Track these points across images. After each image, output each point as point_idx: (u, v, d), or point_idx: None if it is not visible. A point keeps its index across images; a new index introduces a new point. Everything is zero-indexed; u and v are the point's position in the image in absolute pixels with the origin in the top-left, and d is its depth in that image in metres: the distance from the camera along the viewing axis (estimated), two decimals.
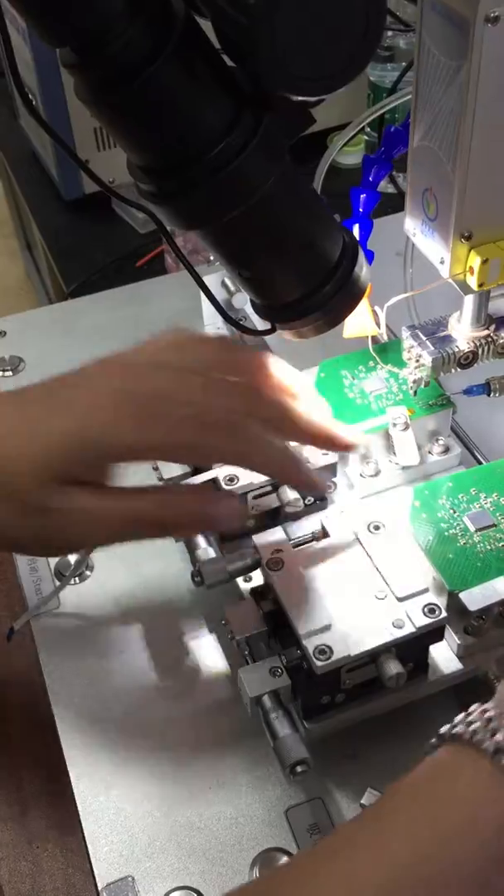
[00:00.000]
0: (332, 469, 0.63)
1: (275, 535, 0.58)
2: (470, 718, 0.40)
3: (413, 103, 0.51)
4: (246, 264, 0.49)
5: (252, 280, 0.51)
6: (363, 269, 0.52)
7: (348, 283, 0.51)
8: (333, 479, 0.65)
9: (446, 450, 0.66)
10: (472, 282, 0.53)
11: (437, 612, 0.52)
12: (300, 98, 0.42)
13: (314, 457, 0.61)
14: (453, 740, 0.39)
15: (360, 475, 0.65)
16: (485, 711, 0.39)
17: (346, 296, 0.51)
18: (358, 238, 0.62)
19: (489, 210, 0.51)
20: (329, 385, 0.67)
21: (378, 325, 0.64)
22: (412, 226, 0.56)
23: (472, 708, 0.40)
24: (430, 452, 0.66)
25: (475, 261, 0.52)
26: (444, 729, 0.40)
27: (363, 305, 0.63)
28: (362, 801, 0.52)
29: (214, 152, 0.42)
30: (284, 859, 0.52)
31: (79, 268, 1.22)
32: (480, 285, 0.53)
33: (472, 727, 0.39)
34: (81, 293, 1.11)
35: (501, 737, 0.37)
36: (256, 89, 0.42)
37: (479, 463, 0.68)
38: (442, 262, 0.54)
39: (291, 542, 0.58)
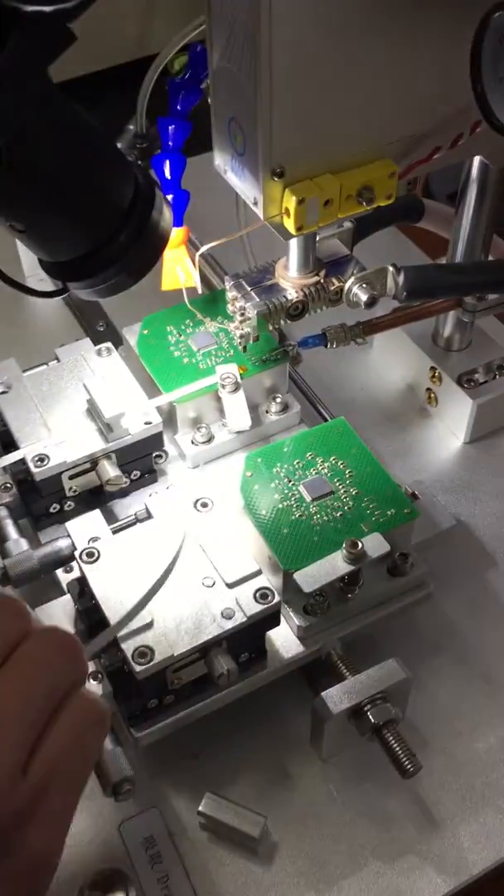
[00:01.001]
0: (158, 438, 0.57)
1: (92, 520, 0.52)
2: None
3: (207, 14, 0.44)
4: (16, 215, 0.42)
5: (29, 234, 0.43)
6: (164, 213, 0.45)
7: (145, 231, 0.44)
8: (164, 450, 0.59)
9: (285, 408, 0.61)
10: (290, 225, 0.47)
11: (269, 598, 0.47)
12: (46, 8, 0.34)
13: (134, 425, 0.55)
14: None
15: (192, 442, 0.59)
16: None
17: (145, 246, 0.44)
18: (169, 175, 0.55)
19: (301, 142, 0.45)
20: (153, 343, 0.61)
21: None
22: (222, 161, 0.49)
23: None
24: (267, 412, 0.61)
25: (290, 201, 0.46)
26: None
27: (181, 254, 0.57)
28: (200, 808, 0.48)
29: None
30: (118, 882, 0.47)
31: None
32: (299, 229, 0.47)
33: None
34: None
35: None
36: None
37: (325, 420, 0.63)
38: (255, 204, 0.47)
39: (111, 527, 0.52)
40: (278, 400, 0.61)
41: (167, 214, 0.46)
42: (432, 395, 0.68)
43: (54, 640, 0.34)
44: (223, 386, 0.57)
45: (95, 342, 0.61)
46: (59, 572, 0.53)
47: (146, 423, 0.55)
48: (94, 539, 0.50)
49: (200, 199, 0.63)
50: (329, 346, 0.58)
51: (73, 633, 0.35)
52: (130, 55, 1.18)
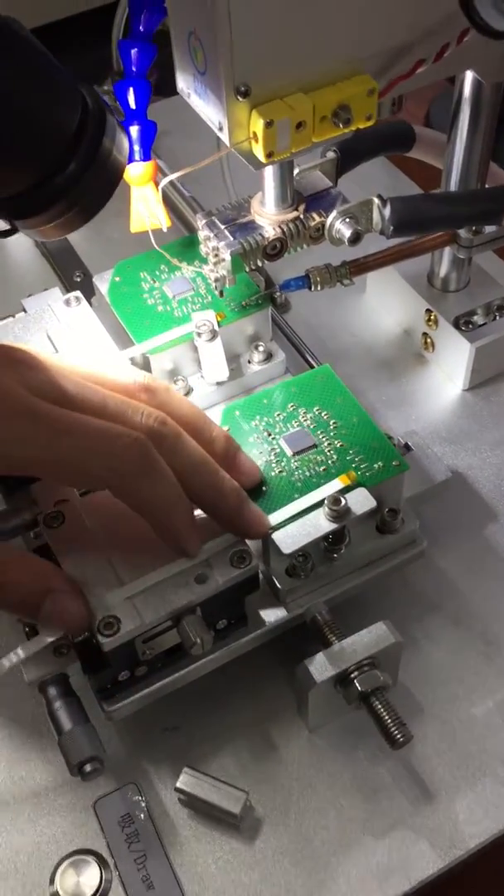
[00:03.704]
0: None
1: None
2: None
3: None
4: None
5: None
6: (118, 141, 0.41)
7: (96, 160, 0.39)
8: None
9: (268, 357, 0.57)
10: (259, 151, 0.42)
11: (247, 561, 0.44)
12: None
13: None
14: None
15: None
16: None
17: (97, 177, 0.40)
18: (134, 104, 0.50)
19: (266, 56, 0.40)
20: (125, 291, 0.56)
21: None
22: (185, 84, 0.44)
23: None
24: (249, 362, 0.57)
25: (258, 123, 0.41)
26: None
27: (150, 192, 0.52)
28: (177, 785, 0.45)
29: None
30: (92, 863, 0.44)
31: None
32: (269, 155, 0.42)
33: None
34: None
35: None
36: None
37: (312, 368, 0.59)
38: (221, 129, 0.43)
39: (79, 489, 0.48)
40: (261, 348, 0.57)
41: (123, 143, 0.42)
42: (429, 340, 0.64)
43: None
44: (199, 334, 0.53)
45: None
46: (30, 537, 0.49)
47: None
48: (62, 501, 0.47)
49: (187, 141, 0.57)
50: (313, 288, 0.54)
51: None
52: None
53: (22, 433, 0.39)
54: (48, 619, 0.41)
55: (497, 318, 0.61)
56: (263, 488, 0.47)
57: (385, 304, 0.67)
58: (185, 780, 0.45)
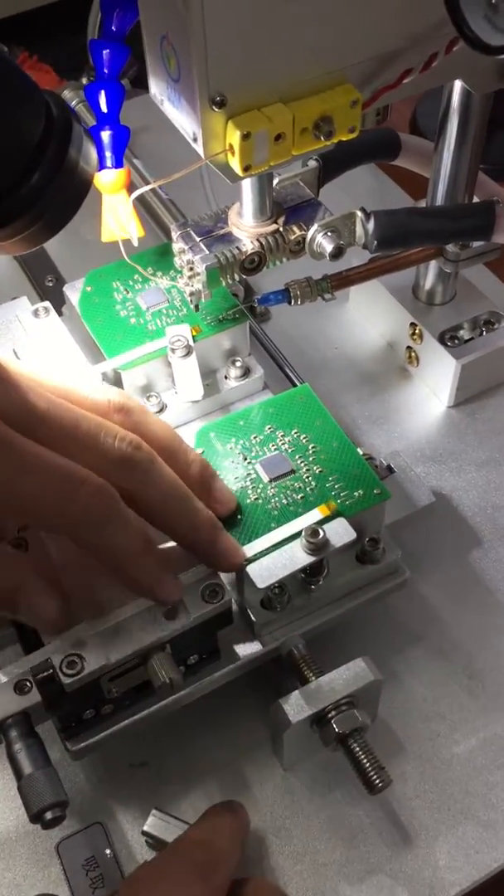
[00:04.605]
0: None
1: None
2: None
3: None
4: None
5: None
6: (85, 151, 0.38)
7: (61, 173, 0.37)
8: None
9: (246, 372, 0.55)
10: (236, 164, 0.40)
11: (219, 595, 0.42)
12: None
13: None
14: None
15: None
16: None
17: (61, 191, 0.37)
18: (105, 108, 0.48)
19: (243, 64, 0.38)
20: (96, 302, 0.54)
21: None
22: (158, 90, 0.42)
23: None
24: (226, 377, 0.55)
25: (234, 135, 0.39)
26: None
27: (121, 202, 0.50)
28: (145, 828, 0.43)
29: None
30: None
31: None
32: (246, 169, 0.40)
33: None
34: None
35: None
36: None
37: (293, 384, 0.57)
38: (195, 140, 0.40)
39: None
40: (238, 364, 0.54)
41: (91, 153, 0.39)
42: (413, 354, 0.62)
43: None
44: (173, 350, 0.51)
45: (43, 300, 0.55)
46: None
47: None
48: (25, 527, 0.44)
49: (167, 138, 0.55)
50: (293, 303, 0.52)
51: None
52: None
53: None
54: (27, 617, 0.40)
55: (484, 332, 0.59)
56: (239, 517, 0.45)
57: (368, 316, 0.65)
58: (152, 824, 0.43)
